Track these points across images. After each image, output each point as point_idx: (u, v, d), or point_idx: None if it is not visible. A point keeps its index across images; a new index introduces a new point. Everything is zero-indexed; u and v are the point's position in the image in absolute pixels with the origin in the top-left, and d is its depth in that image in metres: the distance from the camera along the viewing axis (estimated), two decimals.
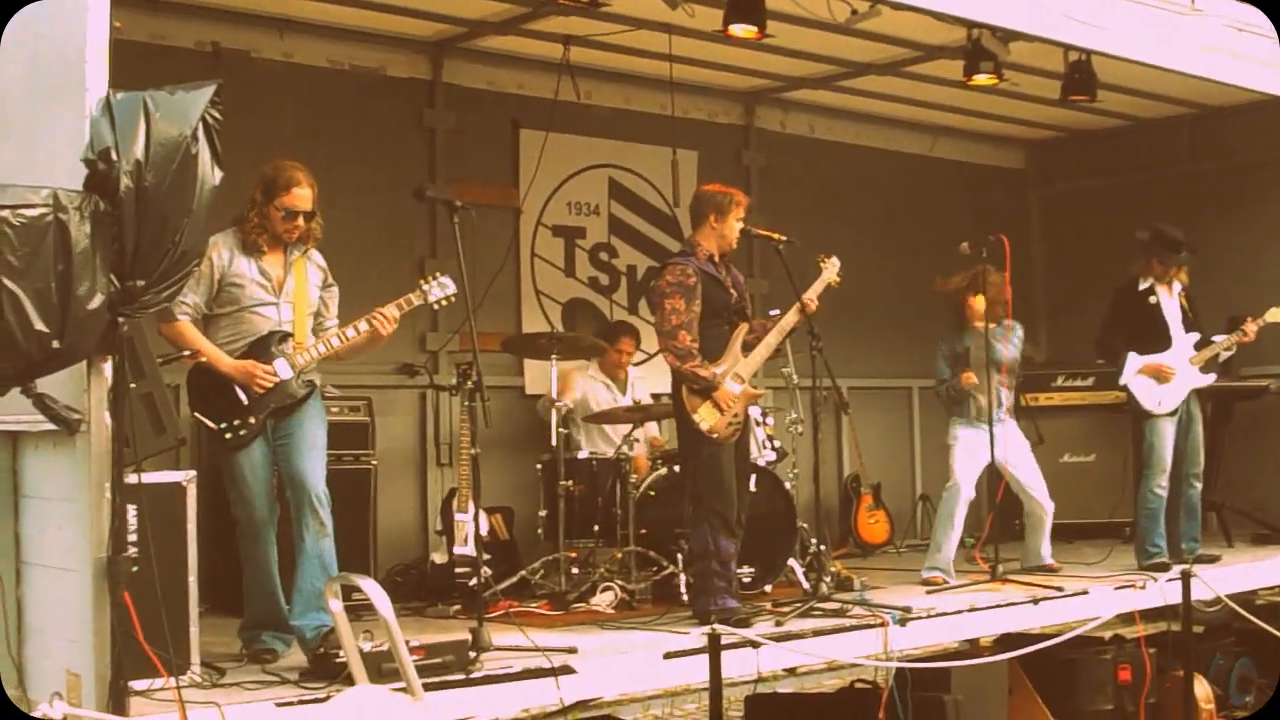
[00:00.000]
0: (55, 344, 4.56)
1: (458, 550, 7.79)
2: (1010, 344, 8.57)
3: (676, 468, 7.90)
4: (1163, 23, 8.58)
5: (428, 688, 5.02)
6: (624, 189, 10.31)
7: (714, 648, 5.97)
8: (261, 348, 5.99)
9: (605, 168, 10.19)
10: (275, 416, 5.98)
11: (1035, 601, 7.60)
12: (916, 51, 9.59)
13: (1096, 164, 12.06)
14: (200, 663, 5.44)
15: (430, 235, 9.14)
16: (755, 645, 6.25)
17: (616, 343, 9.16)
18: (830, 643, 6.63)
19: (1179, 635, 8.21)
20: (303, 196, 6.03)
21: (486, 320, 8.12)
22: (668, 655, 6.07)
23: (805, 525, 8.38)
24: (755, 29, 7.98)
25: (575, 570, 7.82)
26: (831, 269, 7.38)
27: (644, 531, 7.92)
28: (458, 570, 7.75)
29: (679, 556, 7.62)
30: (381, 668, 5.10)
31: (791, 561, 8.06)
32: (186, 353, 5.91)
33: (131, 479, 4.83)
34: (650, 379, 9.36)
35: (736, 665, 6.19)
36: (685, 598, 7.38)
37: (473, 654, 5.63)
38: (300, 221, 6.05)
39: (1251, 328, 8.93)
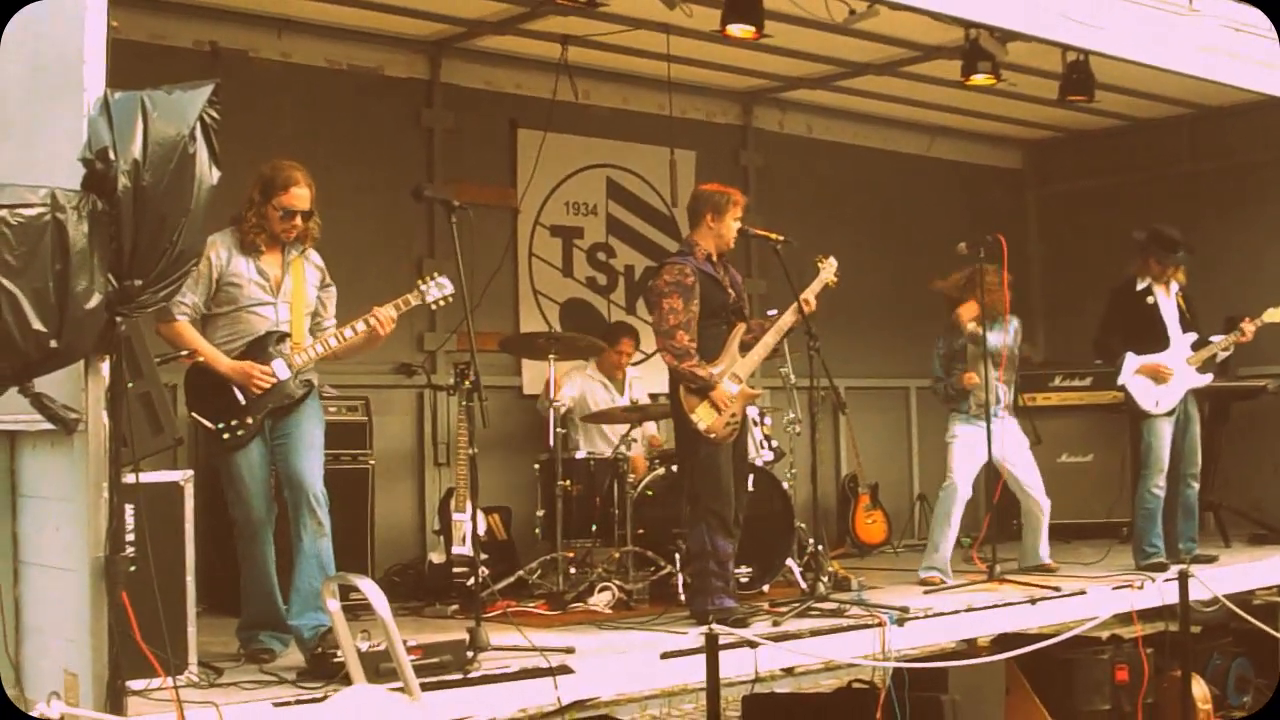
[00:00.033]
0: (53, 343, 4.55)
1: (455, 550, 7.79)
2: (1007, 333, 8.55)
3: (674, 468, 7.90)
4: (1160, 23, 8.58)
5: (425, 687, 5.02)
6: (622, 189, 10.31)
7: (711, 648, 5.96)
8: (259, 348, 5.99)
9: (603, 167, 10.20)
10: (273, 416, 5.98)
11: (1033, 601, 7.60)
12: (914, 51, 9.59)
13: (1094, 164, 12.07)
14: (198, 662, 5.44)
15: (428, 235, 9.15)
16: (753, 645, 6.25)
17: (617, 343, 9.16)
18: (828, 643, 6.63)
19: (1176, 635, 8.21)
20: (300, 196, 6.02)
21: (484, 320, 8.12)
22: (665, 655, 6.07)
23: (803, 525, 8.38)
24: (753, 29, 7.98)
25: (573, 570, 7.82)
26: (829, 269, 7.38)
27: (641, 531, 7.93)
28: (455, 570, 7.75)
29: (676, 556, 7.62)
30: (379, 667, 5.10)
31: (789, 561, 8.06)
32: (184, 352, 5.91)
33: (129, 479, 4.83)
34: (648, 379, 9.36)
35: (734, 665, 6.18)
36: (683, 598, 7.38)
37: (470, 654, 5.62)
38: (298, 221, 6.05)
39: (1249, 328, 8.93)
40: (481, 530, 7.86)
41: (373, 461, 8.19)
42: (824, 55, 9.79)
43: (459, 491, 7.86)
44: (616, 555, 7.90)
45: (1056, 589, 7.80)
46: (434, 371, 9.13)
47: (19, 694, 5.18)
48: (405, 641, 5.03)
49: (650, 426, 9.11)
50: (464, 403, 7.71)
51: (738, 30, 8.02)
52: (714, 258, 7.11)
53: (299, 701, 5.05)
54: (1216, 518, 10.14)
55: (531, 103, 9.60)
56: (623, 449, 8.36)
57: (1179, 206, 10.61)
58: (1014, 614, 7.53)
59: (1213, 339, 8.96)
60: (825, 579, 7.59)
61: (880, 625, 6.74)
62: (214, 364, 5.91)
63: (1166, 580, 8.08)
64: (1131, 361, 8.79)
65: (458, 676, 5.45)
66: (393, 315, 6.13)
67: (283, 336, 6.04)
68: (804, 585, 7.84)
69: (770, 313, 7.52)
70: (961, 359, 8.57)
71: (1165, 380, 8.76)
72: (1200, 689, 8.27)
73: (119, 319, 4.75)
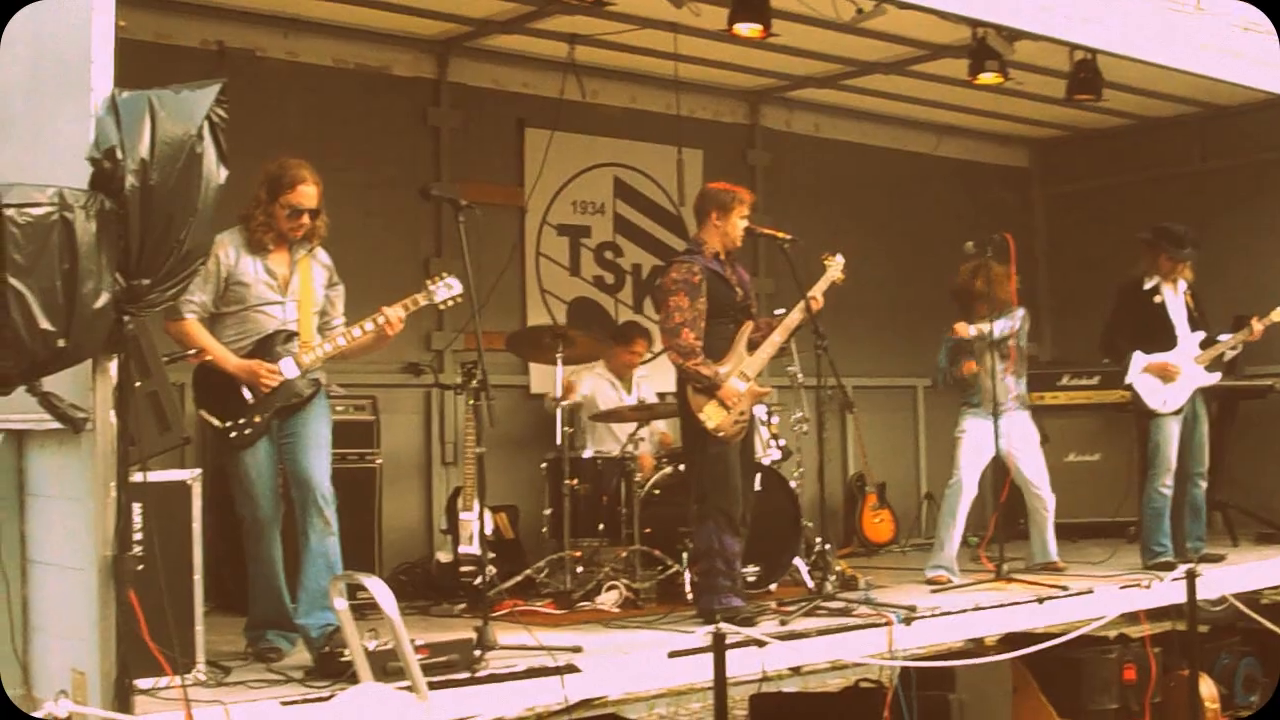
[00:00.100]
0: (61, 342, 4.56)
1: (462, 549, 7.80)
2: (1014, 324, 8.52)
3: (681, 467, 7.90)
4: (1168, 22, 8.58)
5: (432, 686, 5.03)
6: (629, 188, 10.30)
7: (719, 647, 5.96)
8: (267, 346, 5.99)
9: (610, 166, 10.19)
10: (280, 415, 5.98)
11: (1040, 601, 7.59)
12: (921, 50, 9.58)
13: (1101, 163, 12.04)
14: (205, 661, 5.45)
15: (435, 234, 9.15)
16: (760, 644, 6.25)
17: (631, 343, 9.12)
18: (835, 642, 6.63)
19: (1184, 634, 8.21)
20: (308, 194, 6.03)
21: (491, 319, 8.13)
22: (672, 654, 6.07)
23: (810, 524, 8.38)
24: (760, 28, 7.97)
25: (580, 569, 7.82)
26: (836, 267, 7.38)
27: (649, 530, 7.92)
28: (462, 569, 7.76)
29: (684, 555, 7.62)
30: (386, 666, 5.11)
31: (796, 560, 8.06)
32: (192, 351, 5.92)
33: (137, 477, 4.84)
34: (655, 378, 9.35)
35: (741, 664, 6.19)
36: (690, 597, 7.38)
37: (477, 653, 5.63)
38: (305, 219, 6.05)
39: (1258, 326, 8.92)
40: (489, 529, 7.87)
41: (380, 461, 8.19)
42: (831, 54, 9.78)
43: (466, 490, 7.87)
44: (624, 554, 7.90)
45: (1064, 588, 7.80)
46: (441, 371, 9.12)
47: (27, 693, 5.18)
48: (412, 640, 5.04)
49: (661, 424, 9.10)
50: (471, 402, 7.71)
51: (745, 29, 8.01)
52: (722, 256, 7.11)
53: (306, 700, 5.05)
54: (1224, 517, 10.12)
55: (539, 102, 9.60)
56: (630, 448, 8.35)
57: (1187, 206, 10.58)
58: (1021, 613, 7.53)
59: (1221, 337, 8.95)
60: (832, 578, 7.57)
61: (887, 624, 6.74)
62: (222, 362, 5.92)
63: (1174, 579, 8.06)
64: (1139, 360, 8.78)
65: (465, 676, 5.45)
66: (401, 315, 6.13)
67: (291, 335, 6.04)
68: (811, 584, 7.83)
69: (778, 312, 7.51)
70: (968, 352, 8.57)
71: (1173, 379, 8.75)
72: (1208, 688, 8.26)
73: (126, 318, 4.76)
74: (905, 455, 11.69)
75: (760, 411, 8.10)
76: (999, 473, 8.51)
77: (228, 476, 6.06)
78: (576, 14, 8.55)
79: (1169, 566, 8.40)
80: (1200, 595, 8.02)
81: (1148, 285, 8.89)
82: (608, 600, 7.51)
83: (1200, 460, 8.96)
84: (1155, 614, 8.26)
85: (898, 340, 11.14)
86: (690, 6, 7.99)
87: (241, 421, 5.92)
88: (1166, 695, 8.28)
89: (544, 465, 8.29)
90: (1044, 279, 12.24)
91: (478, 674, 5.50)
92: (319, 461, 5.95)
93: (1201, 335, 8.89)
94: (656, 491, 8.06)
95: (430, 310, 6.55)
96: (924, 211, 11.55)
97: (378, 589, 4.89)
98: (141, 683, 4.87)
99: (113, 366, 4.80)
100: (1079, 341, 11.05)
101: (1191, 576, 7.97)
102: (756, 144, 10.99)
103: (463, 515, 7.86)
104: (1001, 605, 7.47)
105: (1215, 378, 8.93)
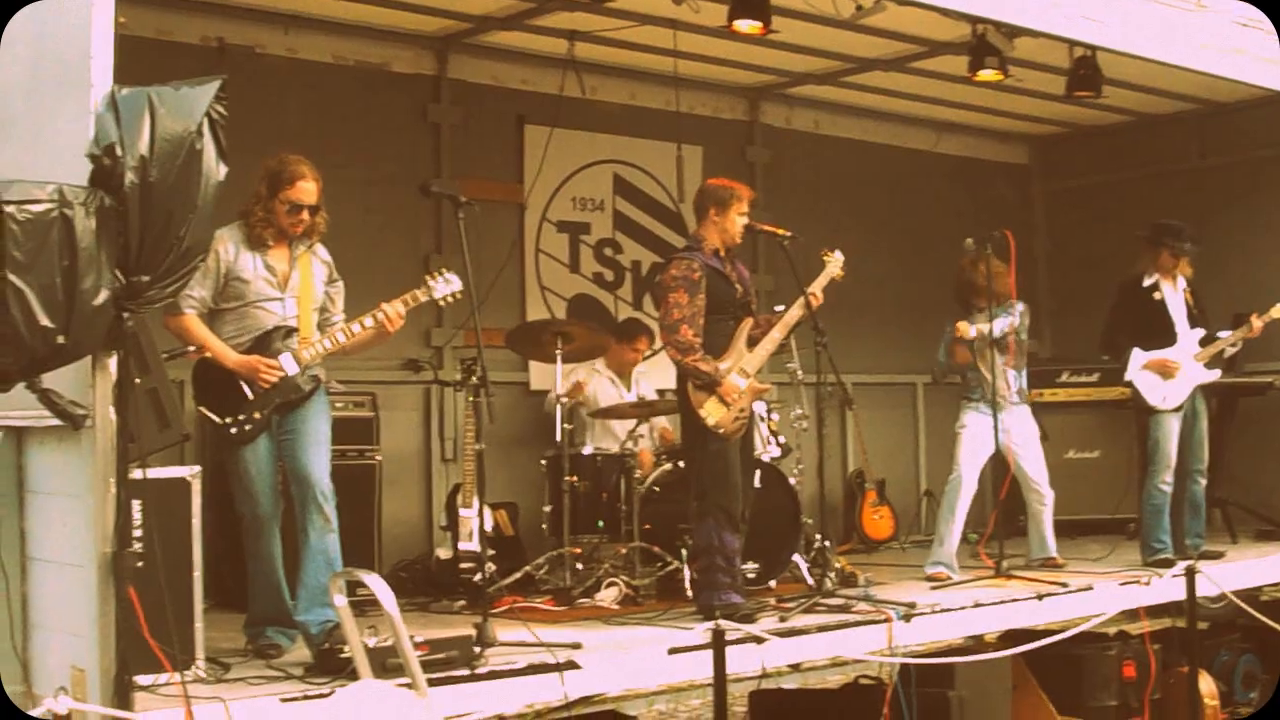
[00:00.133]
0: (60, 339, 4.56)
1: (462, 546, 7.80)
2: (1013, 318, 8.52)
3: (681, 463, 7.90)
4: (1168, 19, 8.57)
5: (432, 683, 5.02)
6: (629, 184, 10.30)
7: (718, 643, 5.97)
8: (266, 343, 5.99)
9: (610, 163, 10.19)
10: (280, 411, 5.98)
11: (1039, 597, 7.59)
12: (921, 47, 9.58)
13: (1101, 160, 12.05)
14: (205, 658, 5.44)
15: (435, 230, 9.15)
16: (760, 641, 6.25)
17: (634, 341, 9.12)
18: (835, 639, 6.64)
19: (1184, 631, 8.22)
20: (307, 190, 6.02)
21: (491, 316, 8.12)
22: (672, 651, 6.06)
23: (810, 521, 8.38)
24: (760, 24, 7.97)
25: (580, 566, 7.81)
26: (835, 263, 7.38)
27: (648, 527, 7.92)
28: (462, 566, 7.76)
29: (683, 552, 7.62)
30: (386, 663, 5.10)
31: (796, 557, 8.06)
32: (191, 348, 5.92)
33: (137, 474, 4.84)
34: (654, 374, 9.35)
35: (741, 661, 6.18)
36: (690, 593, 7.38)
37: (477, 649, 5.63)
38: (305, 215, 6.04)
39: (1257, 323, 8.93)
40: (488, 526, 7.87)
41: (380, 457, 8.19)
42: (831, 51, 9.78)
43: (466, 487, 7.87)
44: (623, 551, 7.90)
45: (1063, 585, 7.79)
46: (441, 367, 9.12)
47: (26, 689, 5.19)
48: (412, 637, 5.04)
49: (662, 420, 9.10)
50: (471, 398, 7.71)
51: (745, 26, 8.00)
52: (721, 253, 7.10)
53: (306, 697, 5.05)
54: (1224, 514, 10.12)
55: (538, 98, 9.60)
56: (630, 444, 8.35)
57: (1186, 202, 10.59)
58: (1021, 610, 7.53)
59: (1220, 334, 8.95)
60: (832, 575, 7.57)
61: (887, 621, 6.74)
62: (222, 358, 5.92)
63: (1173, 576, 8.07)
64: (1138, 357, 8.78)
65: (465, 672, 5.45)
66: (401, 311, 6.13)
67: (290, 331, 6.04)
68: (811, 581, 7.83)
69: (778, 309, 7.51)
70: (968, 345, 8.56)
71: (1172, 376, 8.75)
72: (1207, 685, 8.27)
73: (126, 315, 4.76)
74: (905, 452, 11.69)
75: (760, 408, 8.10)
76: (999, 469, 8.51)
77: (227, 473, 6.06)
78: (576, 10, 8.56)
79: (1168, 563, 8.40)
80: (1200, 592, 8.02)
81: (1147, 282, 8.89)
82: (607, 597, 7.51)
83: (1200, 457, 8.96)
84: (1155, 611, 8.27)
85: (897, 337, 11.13)
86: (690, 3, 7.99)
87: (241, 418, 5.92)
88: (1166, 692, 8.29)
89: (544, 462, 8.29)
90: (1043, 275, 12.26)
91: (477, 671, 5.50)
92: (318, 458, 5.95)
93: (1201, 332, 8.89)
94: (656, 488, 8.07)
95: (430, 307, 6.55)
96: (924, 208, 11.55)
97: (377, 586, 4.88)
98: (141, 679, 4.88)
99: (112, 363, 4.80)
100: (1079, 338, 11.05)
101: (1191, 573, 7.97)
102: (756, 141, 10.99)
103: (462, 512, 7.86)
104: (1001, 602, 7.47)
105: (1215, 375, 8.93)
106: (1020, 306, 8.60)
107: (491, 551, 7.60)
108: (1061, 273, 12.19)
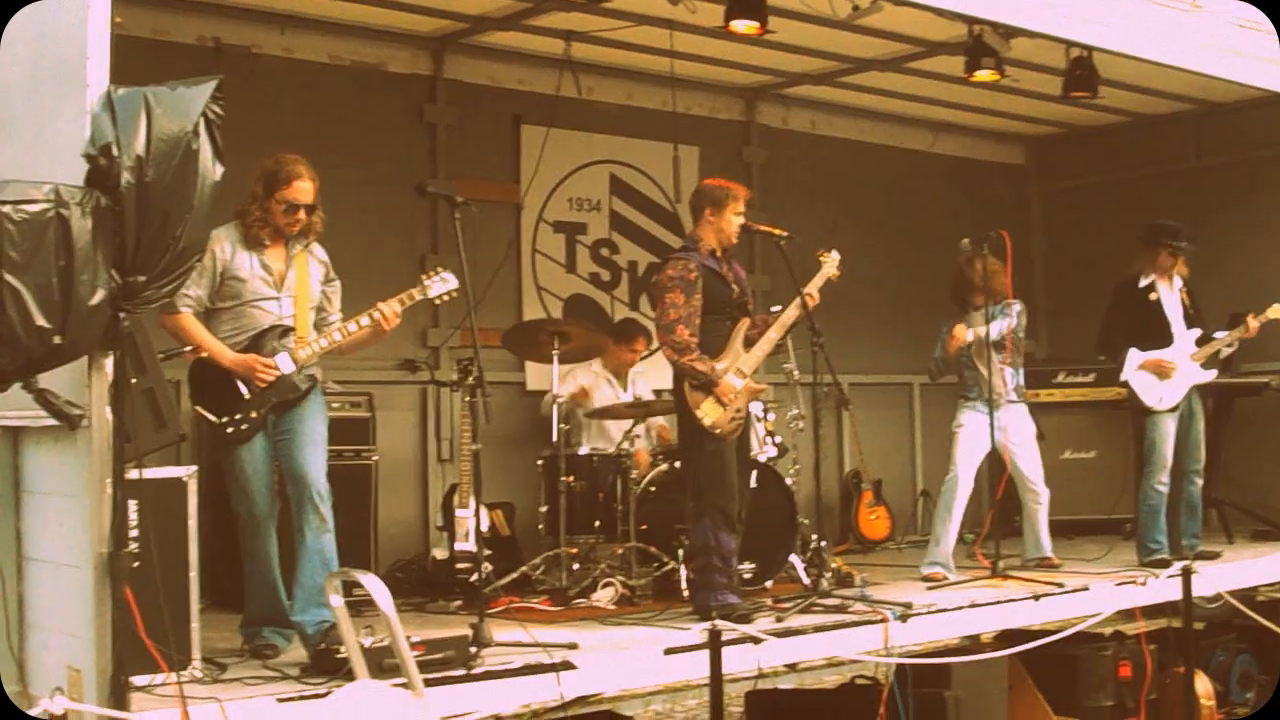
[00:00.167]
0: (57, 339, 4.56)
1: (459, 546, 7.79)
2: (1010, 318, 8.53)
3: (677, 463, 7.90)
4: (1165, 19, 8.57)
5: (429, 683, 5.02)
6: (625, 185, 10.31)
7: (715, 643, 5.97)
8: (263, 342, 5.99)
9: (606, 163, 10.19)
10: (276, 411, 5.98)
11: (1036, 598, 7.59)
12: (918, 47, 9.59)
13: (1098, 160, 12.06)
14: (201, 658, 5.43)
15: (431, 231, 9.15)
16: (756, 641, 6.25)
17: (632, 342, 9.11)
18: (831, 639, 6.64)
19: (1180, 631, 8.21)
20: (304, 189, 6.02)
21: (488, 316, 8.11)
22: (668, 651, 6.06)
23: (806, 521, 8.38)
24: (757, 25, 7.98)
25: (576, 566, 7.82)
26: (831, 263, 7.38)
27: (645, 527, 7.92)
28: (459, 566, 7.75)
29: (680, 552, 7.62)
30: (382, 663, 5.10)
31: (792, 557, 8.06)
32: (187, 349, 5.92)
33: (133, 474, 4.83)
34: (650, 375, 9.35)
35: (737, 661, 6.19)
36: (686, 593, 7.38)
37: (474, 650, 5.63)
38: (301, 215, 6.04)
39: (1254, 323, 8.95)
40: (485, 526, 7.87)
41: (376, 457, 8.18)
42: (827, 51, 9.78)
43: (462, 487, 7.86)
44: (619, 551, 7.90)
45: (1060, 585, 7.79)
46: (437, 367, 9.12)
47: (22, 690, 5.18)
48: (408, 637, 5.03)
49: (660, 420, 9.10)
50: (467, 398, 7.71)
51: (741, 26, 8.01)
52: (718, 253, 7.10)
53: (302, 697, 5.05)
54: (1220, 514, 10.13)
55: (535, 98, 9.60)
56: (626, 445, 8.35)
57: (1183, 203, 10.60)
58: (1017, 610, 7.53)
59: (1217, 335, 8.96)
60: (828, 575, 7.57)
61: (883, 621, 6.74)
62: (218, 357, 5.92)
63: (1170, 576, 8.07)
64: (1134, 357, 8.79)
65: (461, 672, 5.45)
66: (397, 310, 6.13)
67: (287, 331, 6.04)
68: (807, 581, 7.82)
69: (774, 309, 7.52)
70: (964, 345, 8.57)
71: (1168, 376, 8.75)
72: (1203, 685, 8.27)
73: (122, 315, 4.75)
74: (901, 452, 11.70)
75: (756, 408, 8.10)
76: (995, 469, 8.52)
77: (223, 473, 6.05)
78: (572, 10, 8.56)
79: (1165, 564, 8.40)
80: (1196, 592, 8.03)
81: (1143, 283, 8.90)
82: (604, 597, 7.51)
83: (1196, 457, 8.97)
84: (1151, 611, 8.26)
85: (894, 337, 11.13)
86: (686, 3, 7.99)
87: (238, 417, 5.92)
88: (1162, 692, 8.29)
89: (540, 462, 8.29)
90: (1040, 276, 12.27)
91: (473, 671, 5.50)
92: (315, 458, 5.94)
93: (1197, 332, 8.90)
94: (652, 488, 8.06)
95: (426, 307, 6.55)
96: (920, 208, 11.56)
97: (374, 586, 4.88)
98: (137, 680, 4.87)
99: (108, 363, 4.80)
100: (1075, 338, 11.06)
101: (1187, 573, 7.98)
102: (752, 141, 10.99)
103: (459, 512, 7.85)
104: (997, 602, 7.47)
105: (1211, 375, 8.94)
106: (1017, 306, 8.60)
107: (488, 552, 7.60)
108: (1058, 273, 12.20)
